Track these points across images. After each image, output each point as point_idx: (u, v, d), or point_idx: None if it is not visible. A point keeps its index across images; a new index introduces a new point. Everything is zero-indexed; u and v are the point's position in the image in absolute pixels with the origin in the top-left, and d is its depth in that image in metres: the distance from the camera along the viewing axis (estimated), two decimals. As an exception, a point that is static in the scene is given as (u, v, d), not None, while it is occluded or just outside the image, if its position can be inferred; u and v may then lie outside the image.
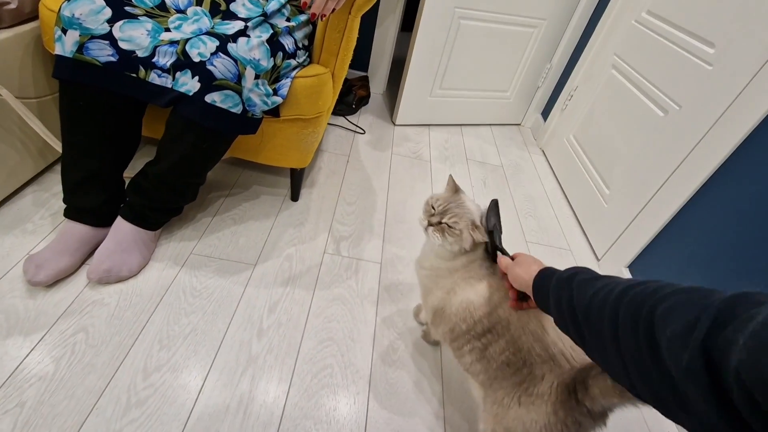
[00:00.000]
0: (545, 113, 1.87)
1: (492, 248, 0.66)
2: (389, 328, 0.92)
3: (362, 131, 1.63)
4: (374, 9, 1.70)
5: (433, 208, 0.68)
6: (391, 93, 1.98)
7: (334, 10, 0.81)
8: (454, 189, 0.71)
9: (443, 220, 0.66)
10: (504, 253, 0.64)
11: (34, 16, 0.91)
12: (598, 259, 1.27)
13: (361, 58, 1.89)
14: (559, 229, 1.38)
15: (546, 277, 0.50)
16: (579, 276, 0.44)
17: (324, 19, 0.88)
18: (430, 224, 0.67)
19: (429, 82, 1.64)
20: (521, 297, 0.60)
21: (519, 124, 2.00)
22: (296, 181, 1.17)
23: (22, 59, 0.90)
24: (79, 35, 0.74)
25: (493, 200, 0.68)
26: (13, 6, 0.85)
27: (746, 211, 0.84)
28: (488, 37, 1.58)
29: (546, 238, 1.32)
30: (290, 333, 0.86)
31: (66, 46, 0.75)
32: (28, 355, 0.72)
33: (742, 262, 0.83)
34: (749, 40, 0.91)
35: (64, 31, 0.74)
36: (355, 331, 0.90)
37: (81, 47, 0.75)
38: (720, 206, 0.91)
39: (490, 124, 1.93)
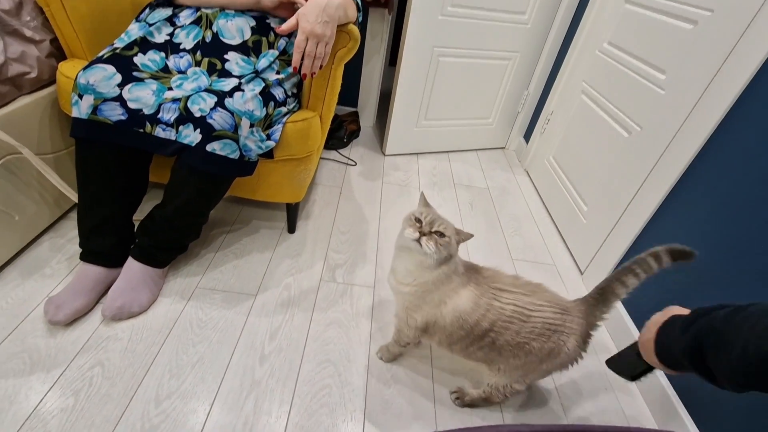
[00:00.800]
0: (527, 136, 1.97)
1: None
2: (384, 343, 0.98)
3: (354, 163, 1.73)
4: (360, 49, 1.84)
5: (419, 221, 0.73)
6: (380, 125, 2.10)
7: (321, 66, 0.91)
8: (426, 204, 0.78)
9: (434, 229, 0.71)
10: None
11: (51, 81, 1.02)
12: (582, 272, 1.33)
13: (351, 94, 2.01)
14: (544, 245, 1.45)
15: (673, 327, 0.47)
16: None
17: (314, 76, 0.97)
18: (423, 234, 0.71)
19: (414, 113, 1.76)
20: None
21: (503, 148, 2.10)
22: (292, 214, 1.26)
23: (40, 120, 1.00)
24: (93, 99, 0.84)
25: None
26: (33, 75, 0.96)
27: (705, 219, 0.92)
28: (466, 70, 1.70)
29: (532, 254, 1.39)
30: (290, 357, 0.92)
31: (82, 109, 0.85)
32: (50, 390, 0.78)
33: (708, 266, 0.90)
34: (693, 66, 1.01)
35: (80, 96, 0.84)
36: (351, 352, 0.96)
37: (95, 109, 0.84)
38: (684, 215, 0.99)
39: (476, 149, 2.04)
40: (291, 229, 1.28)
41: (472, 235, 0.74)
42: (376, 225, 1.39)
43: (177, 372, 0.85)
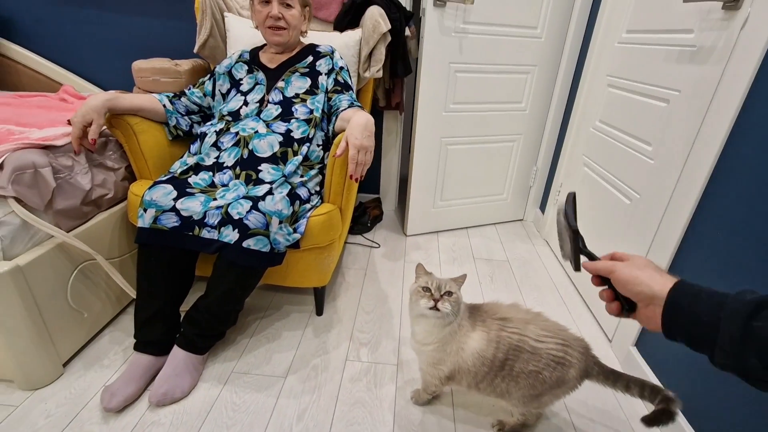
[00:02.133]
0: (542, 207, 2.05)
1: (575, 252, 0.58)
2: (407, 424, 1.00)
3: (377, 245, 1.86)
4: (378, 145, 2.07)
5: (429, 289, 0.85)
6: (401, 208, 2.26)
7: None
8: (427, 272, 0.91)
9: (443, 291, 0.84)
10: (591, 257, 0.57)
11: (123, 198, 1.25)
12: (610, 340, 1.31)
13: (373, 182, 2.21)
14: (569, 315, 1.45)
15: (699, 297, 0.42)
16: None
17: (362, 178, 1.11)
18: (436, 300, 0.83)
19: (430, 196, 1.90)
20: (625, 306, 0.52)
21: (521, 219, 2.18)
22: (319, 297, 1.36)
23: (111, 230, 1.21)
24: (155, 211, 1.03)
25: (570, 194, 0.60)
26: (110, 195, 1.19)
27: (716, 274, 0.94)
28: (474, 154, 1.87)
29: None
30: (317, 438, 0.96)
31: (145, 220, 1.04)
32: (100, 474, 0.86)
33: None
34: (673, 138, 1.11)
35: (145, 210, 1.04)
36: (375, 431, 0.98)
37: (155, 219, 1.03)
38: (693, 275, 1.00)
39: (493, 223, 2.13)
40: (319, 311, 1.38)
41: (465, 275, 0.90)
42: (399, 303, 1.46)
43: (212, 455, 0.90)
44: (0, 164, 0.92)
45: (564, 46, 1.75)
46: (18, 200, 0.94)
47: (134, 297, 1.12)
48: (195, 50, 1.53)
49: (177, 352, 1.08)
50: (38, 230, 0.99)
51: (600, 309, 1.41)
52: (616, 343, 1.27)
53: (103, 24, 1.87)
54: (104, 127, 1.14)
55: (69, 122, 1.11)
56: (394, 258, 1.76)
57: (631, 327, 1.21)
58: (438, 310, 0.82)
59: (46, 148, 1.02)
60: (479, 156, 1.89)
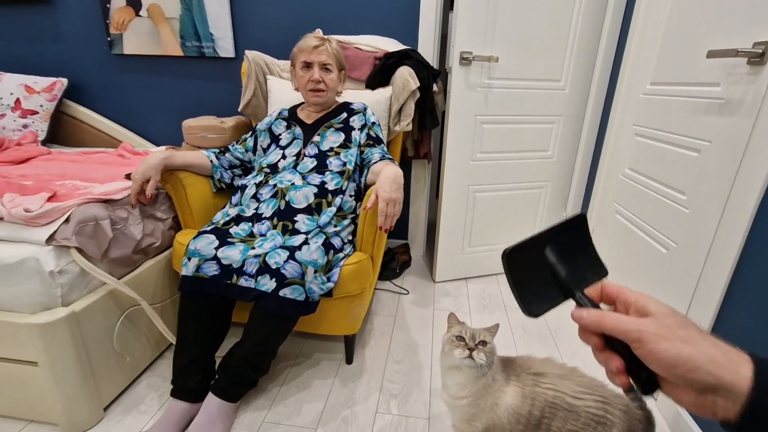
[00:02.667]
0: (574, 254, 2.01)
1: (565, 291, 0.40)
2: (441, 488, 0.96)
3: (406, 292, 1.86)
4: (407, 193, 2.12)
5: (463, 339, 0.84)
6: (429, 253, 2.27)
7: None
8: (459, 321, 0.91)
9: (477, 341, 0.82)
10: (582, 301, 0.38)
11: (168, 246, 1.33)
12: (655, 399, 1.23)
13: (402, 229, 2.25)
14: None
15: None
16: None
17: (391, 229, 1.15)
18: (471, 350, 0.82)
19: (459, 242, 1.91)
20: (643, 383, 0.35)
21: (553, 266, 2.13)
22: (349, 345, 1.36)
23: (156, 277, 1.28)
24: (198, 260, 1.09)
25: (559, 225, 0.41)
26: (157, 244, 1.28)
27: (759, 328, 0.89)
28: (502, 201, 1.89)
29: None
30: (348, 497, 0.93)
31: (189, 268, 1.10)
32: None
33: None
34: (707, 187, 1.10)
35: (189, 259, 1.10)
36: (407, 493, 0.94)
37: (198, 268, 1.09)
38: (736, 328, 0.95)
39: (524, 270, 2.09)
40: (349, 360, 1.37)
41: (498, 325, 0.88)
42: (429, 353, 1.44)
43: None
44: (67, 218, 1.01)
45: (588, 97, 1.80)
46: (79, 250, 1.02)
47: (173, 342, 1.16)
48: (239, 109, 1.67)
49: (211, 400, 1.10)
50: (93, 278, 1.07)
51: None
52: (663, 401, 1.19)
53: (157, 88, 2.08)
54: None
55: (126, 176, 1.22)
56: (423, 305, 1.75)
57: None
58: (473, 359, 0.81)
59: (107, 201, 1.12)
60: (507, 202, 1.90)
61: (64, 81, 1.99)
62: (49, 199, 1.05)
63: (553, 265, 0.40)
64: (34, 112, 1.91)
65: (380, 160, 1.32)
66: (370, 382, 1.29)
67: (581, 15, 1.65)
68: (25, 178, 1.27)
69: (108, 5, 1.93)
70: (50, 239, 0.98)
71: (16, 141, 1.75)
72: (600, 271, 0.41)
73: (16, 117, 1.89)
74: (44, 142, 1.93)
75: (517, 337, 1.54)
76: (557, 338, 1.53)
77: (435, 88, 1.71)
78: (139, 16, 1.93)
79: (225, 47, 1.93)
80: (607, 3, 1.65)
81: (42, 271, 0.96)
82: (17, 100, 1.90)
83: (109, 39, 2.00)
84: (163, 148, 1.81)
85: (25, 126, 1.89)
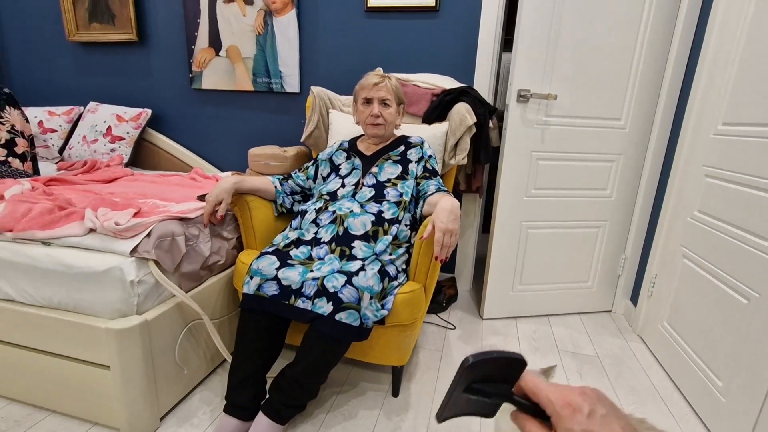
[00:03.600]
0: (633, 299, 1.89)
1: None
2: None
3: (453, 327, 1.81)
4: (455, 226, 2.12)
5: None
6: (477, 289, 2.22)
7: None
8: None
9: None
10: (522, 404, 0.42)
11: (231, 265, 1.41)
12: (738, 469, 1.10)
13: (449, 262, 2.23)
14: (677, 427, 1.25)
15: None
16: None
17: (447, 259, 1.16)
18: None
19: (509, 279, 1.86)
20: None
21: (609, 311, 2.01)
22: (397, 377, 1.34)
23: (217, 294, 1.35)
24: (259, 279, 1.14)
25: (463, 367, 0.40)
26: (222, 262, 1.35)
27: None
28: (556, 239, 1.83)
29: (664, 439, 1.21)
30: None
31: (251, 287, 1.15)
32: None
33: None
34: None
35: (251, 277, 1.15)
36: None
37: (259, 287, 1.14)
38: None
39: (578, 313, 1.99)
40: (395, 392, 1.35)
41: (555, 366, 0.86)
42: (478, 393, 1.38)
43: None
44: (149, 232, 1.10)
45: (650, 136, 1.75)
46: (156, 263, 1.11)
47: (228, 359, 1.20)
48: (302, 139, 1.77)
49: (261, 419, 1.11)
50: (164, 290, 1.14)
51: (716, 421, 1.21)
52: (747, 472, 1.06)
53: (227, 119, 2.27)
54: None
55: (199, 198, 1.32)
56: (470, 342, 1.70)
57: (765, 454, 1.01)
58: None
59: (182, 219, 1.22)
60: (562, 241, 1.84)
61: (149, 111, 2.22)
62: (135, 215, 1.16)
63: (481, 391, 0.42)
64: (122, 138, 2.14)
65: (436, 191, 1.34)
66: (417, 418, 1.25)
67: (643, 54, 1.64)
68: (113, 195, 1.41)
69: (193, 46, 2.17)
70: (133, 251, 1.07)
71: (106, 163, 1.95)
72: (519, 365, 0.43)
73: (107, 142, 2.12)
74: (127, 165, 2.14)
75: (573, 382, 1.45)
76: (617, 389, 1.42)
77: (490, 124, 1.74)
78: (219, 55, 2.15)
79: (291, 83, 2.09)
80: (671, 41, 1.63)
81: (124, 280, 1.04)
82: (108, 128, 2.14)
83: (190, 75, 2.22)
84: (229, 173, 1.94)
85: (113, 150, 2.11)
